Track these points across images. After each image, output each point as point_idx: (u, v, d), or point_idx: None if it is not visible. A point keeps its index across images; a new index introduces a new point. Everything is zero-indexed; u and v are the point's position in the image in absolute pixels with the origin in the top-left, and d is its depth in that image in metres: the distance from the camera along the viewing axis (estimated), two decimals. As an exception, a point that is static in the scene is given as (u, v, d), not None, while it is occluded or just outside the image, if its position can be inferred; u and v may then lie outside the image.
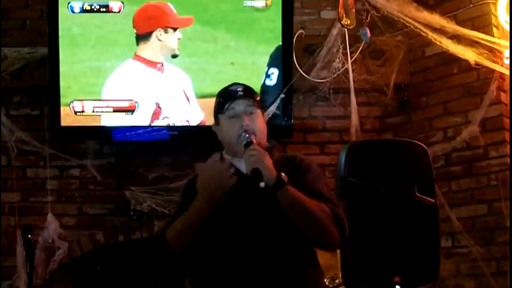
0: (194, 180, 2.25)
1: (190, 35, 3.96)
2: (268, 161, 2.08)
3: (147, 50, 3.92)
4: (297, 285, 2.14)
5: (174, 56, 3.93)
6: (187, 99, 3.95)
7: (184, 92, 3.93)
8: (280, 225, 2.13)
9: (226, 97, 2.27)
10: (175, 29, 3.91)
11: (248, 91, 2.28)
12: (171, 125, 3.93)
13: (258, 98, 2.32)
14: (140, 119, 3.92)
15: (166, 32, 3.90)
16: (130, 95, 3.93)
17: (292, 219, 2.09)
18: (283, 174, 2.06)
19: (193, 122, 3.94)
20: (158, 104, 3.93)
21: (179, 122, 3.94)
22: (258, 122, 2.24)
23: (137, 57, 3.93)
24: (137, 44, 3.91)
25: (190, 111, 3.94)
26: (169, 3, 3.92)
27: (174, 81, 3.95)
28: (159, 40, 3.90)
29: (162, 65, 3.95)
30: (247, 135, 2.15)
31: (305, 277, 2.16)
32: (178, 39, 3.91)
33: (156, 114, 3.93)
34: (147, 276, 4.09)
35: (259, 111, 2.27)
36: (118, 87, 3.93)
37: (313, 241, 2.15)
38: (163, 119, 3.93)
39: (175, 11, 3.92)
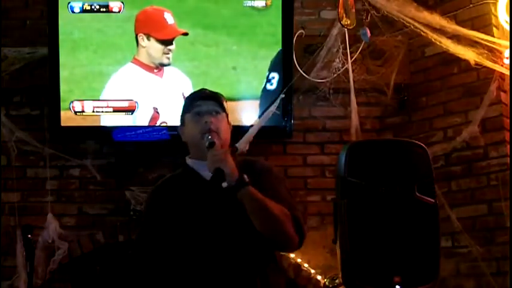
0: (159, 189, 2.35)
1: (191, 39, 3.96)
2: (230, 161, 2.11)
3: (143, 53, 3.93)
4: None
5: (163, 65, 3.92)
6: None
7: (183, 95, 3.91)
8: (239, 232, 2.17)
9: (193, 97, 2.36)
10: (160, 40, 3.89)
11: (215, 94, 2.35)
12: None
13: (225, 103, 2.35)
14: (139, 121, 3.94)
15: (148, 39, 3.90)
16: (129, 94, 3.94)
17: (252, 222, 2.13)
18: (245, 175, 2.10)
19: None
20: (156, 109, 3.94)
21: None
22: (222, 124, 2.28)
23: (136, 61, 3.94)
24: (137, 45, 3.92)
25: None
26: (166, 12, 3.90)
27: (172, 85, 3.95)
28: (142, 46, 3.90)
29: (160, 70, 3.94)
30: (209, 136, 2.18)
31: (265, 280, 2.21)
32: (170, 50, 3.89)
33: (154, 119, 3.94)
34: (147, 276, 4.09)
35: (224, 114, 2.30)
36: (116, 92, 3.93)
37: (271, 241, 2.20)
38: (161, 123, 3.94)
39: (169, 22, 3.89)
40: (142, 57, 3.93)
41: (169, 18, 3.92)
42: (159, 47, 3.90)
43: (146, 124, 3.93)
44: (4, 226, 3.95)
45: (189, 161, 2.33)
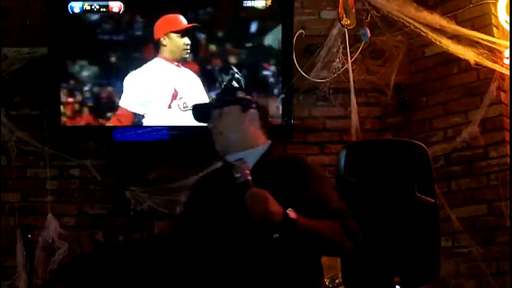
0: (198, 182, 2.37)
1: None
2: (270, 206, 2.02)
3: (165, 52, 4.01)
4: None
5: (184, 60, 4.00)
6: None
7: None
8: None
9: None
10: (179, 32, 3.98)
11: (218, 98, 2.40)
12: (185, 105, 3.97)
13: (237, 92, 2.37)
14: (159, 104, 3.98)
15: (169, 37, 3.97)
16: (151, 83, 4.01)
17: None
18: (288, 211, 2.03)
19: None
20: (175, 88, 3.98)
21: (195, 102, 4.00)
22: (226, 120, 2.29)
23: (161, 56, 4.01)
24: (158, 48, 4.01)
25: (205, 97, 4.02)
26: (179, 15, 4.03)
27: (189, 73, 4.02)
28: (164, 45, 3.98)
29: (179, 65, 4.01)
30: (238, 175, 2.11)
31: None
32: (188, 44, 3.98)
33: (173, 96, 3.97)
34: (147, 276, 4.09)
35: (228, 108, 2.31)
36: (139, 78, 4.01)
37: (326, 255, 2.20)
38: (179, 99, 3.97)
39: (183, 21, 4.00)
40: (166, 55, 4.00)
41: (182, 19, 4.02)
42: (180, 41, 3.98)
43: (167, 102, 3.97)
44: (4, 226, 3.94)
45: (227, 157, 2.31)
